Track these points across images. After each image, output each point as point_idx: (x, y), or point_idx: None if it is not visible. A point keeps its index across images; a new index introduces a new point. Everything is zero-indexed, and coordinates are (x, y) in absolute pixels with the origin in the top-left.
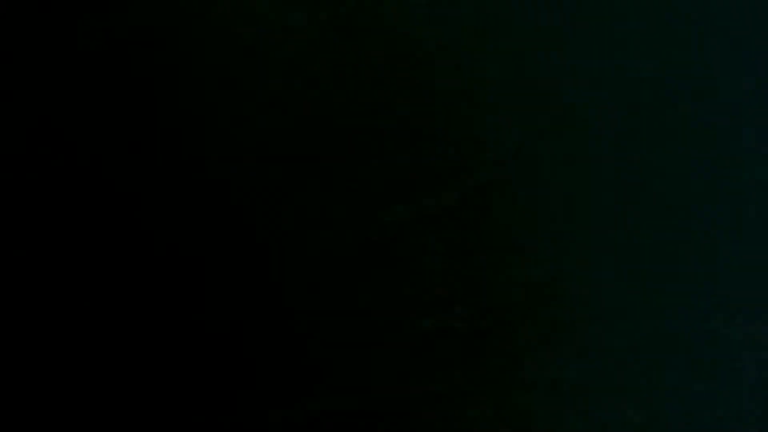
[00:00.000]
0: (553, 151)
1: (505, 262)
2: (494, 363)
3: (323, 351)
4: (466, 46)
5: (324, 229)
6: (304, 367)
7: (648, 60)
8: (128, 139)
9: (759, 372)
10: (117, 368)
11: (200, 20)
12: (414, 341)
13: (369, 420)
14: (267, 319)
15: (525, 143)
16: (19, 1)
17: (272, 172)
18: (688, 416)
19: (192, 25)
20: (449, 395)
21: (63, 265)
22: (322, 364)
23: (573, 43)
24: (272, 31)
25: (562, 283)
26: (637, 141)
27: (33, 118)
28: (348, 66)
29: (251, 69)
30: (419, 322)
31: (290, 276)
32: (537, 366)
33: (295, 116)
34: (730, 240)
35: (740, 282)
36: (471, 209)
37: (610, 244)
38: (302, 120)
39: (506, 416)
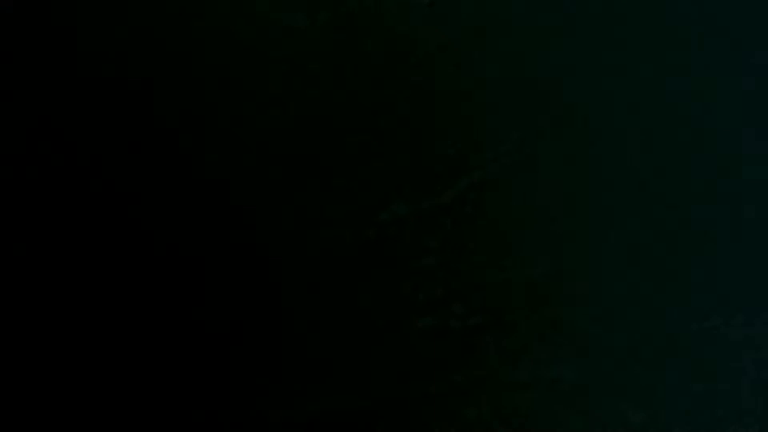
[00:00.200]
0: (551, 150)
1: (503, 261)
2: (493, 362)
3: (322, 351)
4: (466, 46)
5: (322, 229)
6: (303, 367)
7: (648, 60)
8: (128, 139)
9: (759, 372)
10: (116, 368)
11: (200, 20)
12: (412, 341)
13: (368, 420)
14: (266, 319)
15: (524, 142)
16: (19, 1)
17: (270, 171)
18: (688, 416)
19: (192, 25)
20: (448, 395)
21: (63, 264)
22: (321, 364)
23: (573, 43)
24: (272, 31)
25: (561, 282)
26: (636, 141)
27: (33, 118)
28: (348, 66)
29: (251, 69)
30: (417, 322)
31: (288, 275)
32: (536, 365)
33: (294, 116)
34: (730, 240)
35: (740, 282)
36: (469, 208)
37: (610, 244)
38: (301, 120)
39: (505, 416)
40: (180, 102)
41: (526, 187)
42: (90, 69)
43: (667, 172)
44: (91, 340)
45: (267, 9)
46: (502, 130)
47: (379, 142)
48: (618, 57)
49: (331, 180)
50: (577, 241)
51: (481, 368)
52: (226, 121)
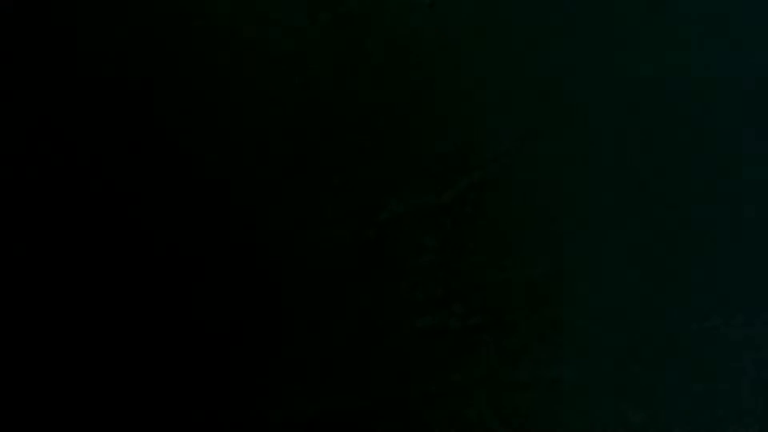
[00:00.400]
0: (551, 150)
1: (503, 260)
2: (493, 362)
3: (322, 351)
4: (466, 46)
5: (321, 228)
6: (303, 367)
7: (648, 60)
8: (128, 139)
9: (759, 372)
10: (116, 368)
11: (200, 20)
12: (412, 340)
13: (368, 420)
14: (265, 319)
15: (524, 142)
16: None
17: (270, 171)
18: (688, 416)
19: (192, 25)
20: (448, 395)
21: (63, 264)
22: (321, 364)
23: (573, 43)
24: (272, 31)
25: (561, 282)
26: (636, 140)
27: (33, 118)
28: (348, 66)
29: (251, 69)
30: (417, 322)
31: (287, 275)
32: (536, 365)
33: (294, 116)
34: (730, 240)
35: (740, 282)
36: (469, 207)
37: (609, 243)
38: (301, 119)
39: (505, 416)
40: (180, 102)
41: (525, 187)
42: (90, 69)
43: (667, 172)
44: (91, 340)
45: (267, 9)
46: (502, 129)
47: (379, 141)
48: (618, 57)
49: (331, 179)
50: (577, 241)
51: (481, 368)
52: (226, 121)
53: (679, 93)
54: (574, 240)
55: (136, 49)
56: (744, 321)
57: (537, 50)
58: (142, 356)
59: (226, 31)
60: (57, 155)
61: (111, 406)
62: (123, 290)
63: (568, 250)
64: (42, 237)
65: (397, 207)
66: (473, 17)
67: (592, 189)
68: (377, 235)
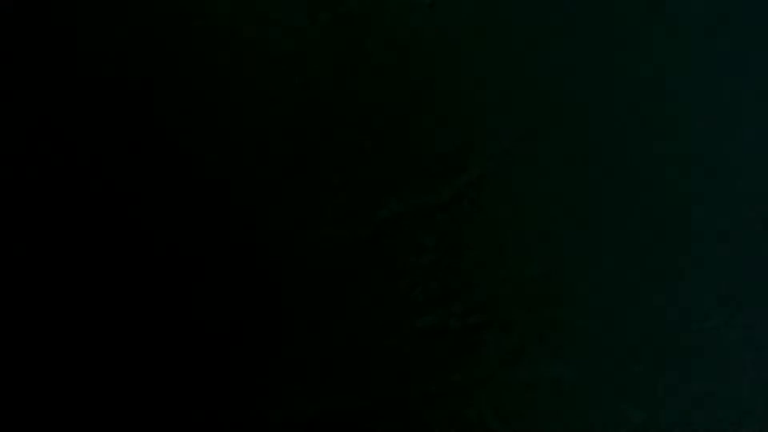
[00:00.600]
0: (550, 149)
1: (502, 259)
2: (493, 362)
3: (321, 351)
4: (466, 45)
5: (319, 227)
6: (303, 367)
7: (648, 60)
8: (128, 139)
9: (759, 372)
10: (116, 368)
11: (200, 20)
12: (412, 340)
13: (368, 420)
14: (264, 319)
15: (522, 140)
16: (19, 1)
17: (269, 170)
18: (688, 416)
19: (192, 25)
20: (448, 395)
21: (63, 264)
22: (321, 364)
23: (573, 43)
24: (272, 31)
25: (561, 282)
26: (636, 139)
27: (33, 118)
28: (348, 66)
29: (251, 69)
30: (417, 321)
31: (286, 274)
32: (535, 365)
33: (293, 115)
34: (730, 240)
35: (740, 282)
36: (467, 205)
37: (609, 243)
38: (300, 119)
39: (505, 416)
40: (180, 102)
41: (524, 185)
42: (90, 69)
43: (667, 171)
44: (91, 340)
45: (267, 9)
46: (502, 129)
47: (378, 141)
48: (618, 57)
49: (330, 179)
50: (577, 241)
51: (481, 368)
52: (226, 121)
53: (679, 93)
54: (573, 240)
55: (136, 49)
56: (744, 321)
57: (537, 50)
58: (142, 356)
59: (226, 31)
60: (57, 155)
61: (111, 406)
62: (123, 290)
63: (568, 250)
64: (42, 237)
65: (397, 206)
66: (473, 17)
67: (591, 188)
68: (376, 235)
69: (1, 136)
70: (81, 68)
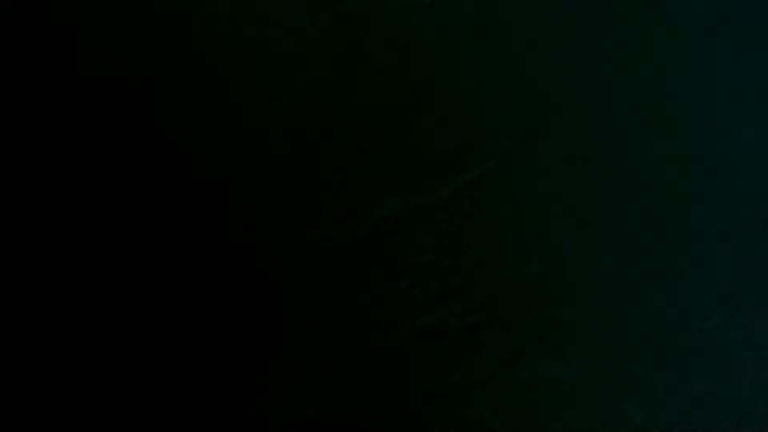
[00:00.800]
0: (549, 148)
1: (501, 258)
2: (492, 362)
3: (321, 351)
4: (466, 45)
5: (318, 226)
6: (303, 367)
7: (648, 60)
8: (128, 139)
9: (759, 372)
10: (116, 368)
11: (200, 20)
12: (411, 340)
13: (368, 420)
14: (264, 319)
15: (521, 139)
16: (19, 1)
17: (268, 169)
18: (688, 416)
19: (192, 25)
20: (448, 395)
21: (63, 264)
22: (321, 364)
23: (573, 43)
24: (272, 31)
25: (560, 281)
26: (636, 139)
27: (33, 118)
28: (348, 66)
29: (251, 69)
30: (416, 321)
31: (286, 275)
32: (535, 365)
33: (293, 115)
34: (730, 240)
35: (740, 282)
36: (466, 204)
37: (609, 243)
38: (300, 119)
39: (505, 416)
40: (180, 102)
41: (524, 185)
42: (90, 69)
43: (666, 171)
44: (91, 340)
45: (267, 9)
46: (501, 129)
47: (378, 140)
48: (618, 57)
49: (329, 179)
50: (577, 241)
51: (481, 368)
52: (226, 121)
53: (679, 93)
54: (573, 240)
55: (136, 49)
56: (744, 321)
57: (537, 50)
58: (142, 356)
59: (226, 31)
60: (57, 155)
61: (111, 406)
62: (123, 290)
63: (568, 250)
64: (42, 237)
65: (396, 206)
66: (473, 17)
67: (591, 188)
68: (376, 234)
69: (1, 136)
70: (81, 68)
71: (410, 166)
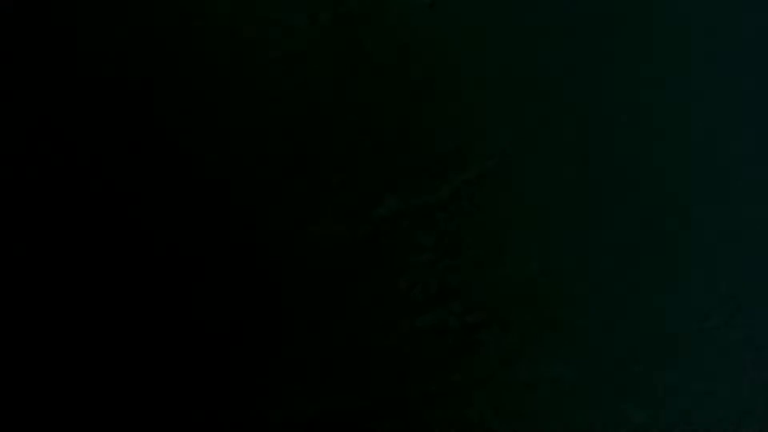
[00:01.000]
0: (549, 148)
1: (500, 257)
2: (492, 362)
3: (321, 351)
4: (466, 45)
5: (317, 225)
6: (303, 367)
7: (648, 60)
8: (128, 139)
9: (759, 372)
10: (116, 368)
11: (200, 20)
12: (411, 340)
13: (368, 420)
14: (263, 319)
15: (521, 139)
16: (19, 1)
17: (268, 169)
18: (688, 416)
19: (192, 25)
20: (448, 395)
21: (63, 264)
22: (321, 364)
23: (573, 43)
24: (272, 31)
25: (560, 281)
26: (635, 139)
27: (33, 118)
28: (348, 66)
29: (251, 69)
30: (416, 320)
31: (286, 274)
32: (535, 365)
33: (293, 115)
34: (730, 240)
35: (740, 282)
36: (465, 203)
37: (608, 242)
38: (300, 118)
39: (505, 416)
40: (180, 102)
41: (523, 185)
42: (90, 69)
43: (666, 171)
44: (91, 340)
45: (267, 9)
46: (500, 127)
47: (377, 139)
48: (618, 57)
49: (328, 177)
50: (576, 240)
51: (481, 368)
52: (225, 121)
53: (679, 93)
54: (573, 239)
55: (136, 49)
56: (744, 321)
57: (537, 50)
58: (143, 356)
59: (226, 31)
60: (57, 155)
61: (111, 406)
62: (123, 290)
63: (568, 250)
64: (42, 237)
65: (396, 205)
66: (473, 17)
67: (591, 188)
68: (375, 233)
69: (1, 136)
70: (81, 68)
71: (410, 166)
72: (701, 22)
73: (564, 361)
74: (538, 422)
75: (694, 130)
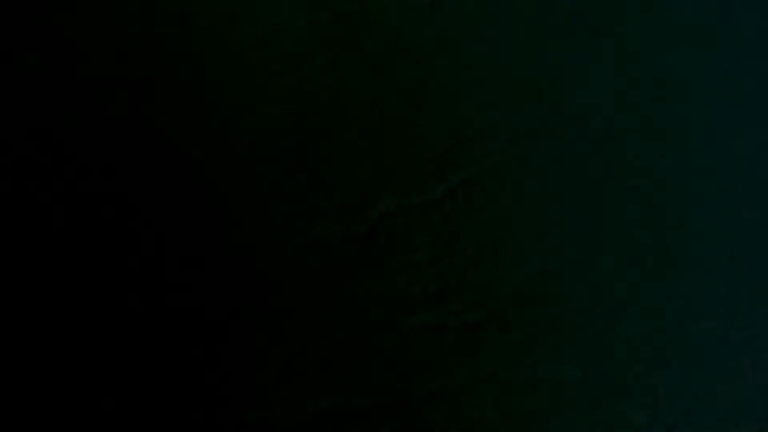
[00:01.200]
0: (546, 147)
1: (496, 256)
2: (492, 361)
3: (321, 350)
4: (466, 45)
5: (316, 226)
6: (302, 367)
7: (648, 60)
8: (127, 139)
9: (759, 372)
10: (116, 368)
11: (200, 20)
12: (410, 339)
13: (368, 420)
14: (261, 317)
15: (518, 138)
16: (19, 1)
17: (266, 168)
18: (688, 416)
19: (192, 25)
20: (448, 394)
21: (62, 264)
22: (320, 363)
23: (573, 43)
24: (272, 31)
25: (560, 281)
26: (635, 139)
27: (33, 118)
28: (348, 66)
29: (251, 69)
30: (413, 318)
31: (282, 273)
32: (535, 365)
33: (293, 115)
34: (730, 240)
35: (740, 282)
36: (461, 203)
37: (608, 242)
38: (299, 118)
39: (505, 416)
40: (180, 102)
41: (519, 184)
42: (90, 69)
43: (666, 171)
44: (91, 340)
45: (267, 9)
46: (497, 126)
47: (373, 138)
48: (618, 57)
49: (324, 176)
50: (575, 240)
51: (481, 367)
52: (224, 120)
53: (679, 93)
54: (571, 239)
55: (135, 49)
56: (744, 321)
57: (536, 50)
58: (142, 356)
59: (226, 31)
60: (56, 155)
61: (111, 406)
62: (122, 289)
63: (565, 249)
64: (41, 237)
65: (391, 204)
66: (473, 17)
67: (588, 187)
68: (371, 232)
69: (1, 136)
70: (81, 68)
71: (406, 165)
72: (701, 22)
73: (564, 361)
74: (539, 422)
75: (693, 130)
